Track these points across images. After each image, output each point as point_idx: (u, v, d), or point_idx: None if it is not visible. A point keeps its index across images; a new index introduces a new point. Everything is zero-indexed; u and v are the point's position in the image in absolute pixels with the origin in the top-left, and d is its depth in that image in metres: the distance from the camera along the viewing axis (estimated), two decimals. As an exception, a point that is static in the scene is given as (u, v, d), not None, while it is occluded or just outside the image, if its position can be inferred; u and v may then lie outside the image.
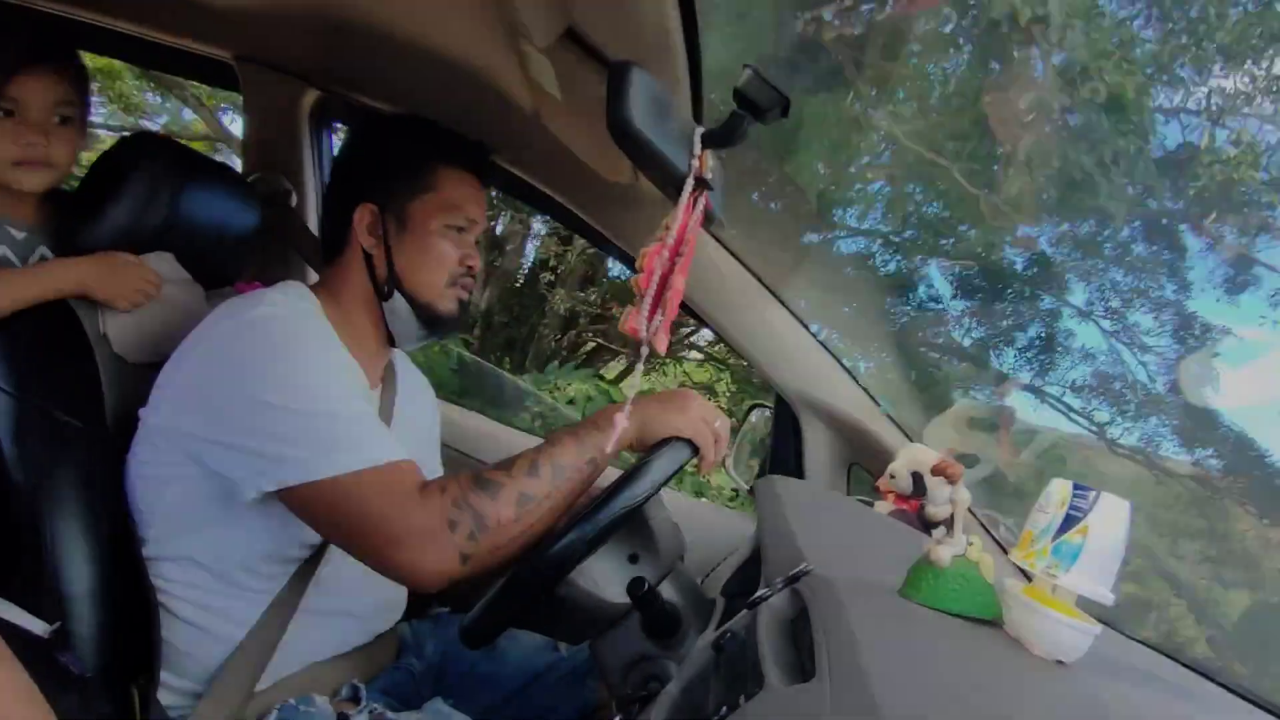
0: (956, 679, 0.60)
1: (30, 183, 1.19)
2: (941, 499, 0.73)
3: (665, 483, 1.03)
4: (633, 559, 1.11)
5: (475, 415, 1.90)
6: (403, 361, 1.41)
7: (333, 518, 1.00)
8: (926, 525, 1.40)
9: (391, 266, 1.20)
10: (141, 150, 1.26)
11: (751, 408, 1.98)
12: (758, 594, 0.85)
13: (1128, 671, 0.77)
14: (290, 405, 1.00)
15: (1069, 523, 0.67)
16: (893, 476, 1.52)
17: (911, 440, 1.57)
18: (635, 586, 1.02)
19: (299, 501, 1.00)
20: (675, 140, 0.78)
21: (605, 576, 1.08)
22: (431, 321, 1.23)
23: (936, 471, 0.80)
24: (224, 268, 1.43)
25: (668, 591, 1.15)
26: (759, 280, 1.55)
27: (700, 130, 0.80)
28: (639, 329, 0.77)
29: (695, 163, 0.79)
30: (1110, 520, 0.66)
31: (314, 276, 1.68)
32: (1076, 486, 0.68)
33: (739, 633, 0.85)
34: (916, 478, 1.48)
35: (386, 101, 1.58)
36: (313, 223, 1.69)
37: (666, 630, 1.11)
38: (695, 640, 1.12)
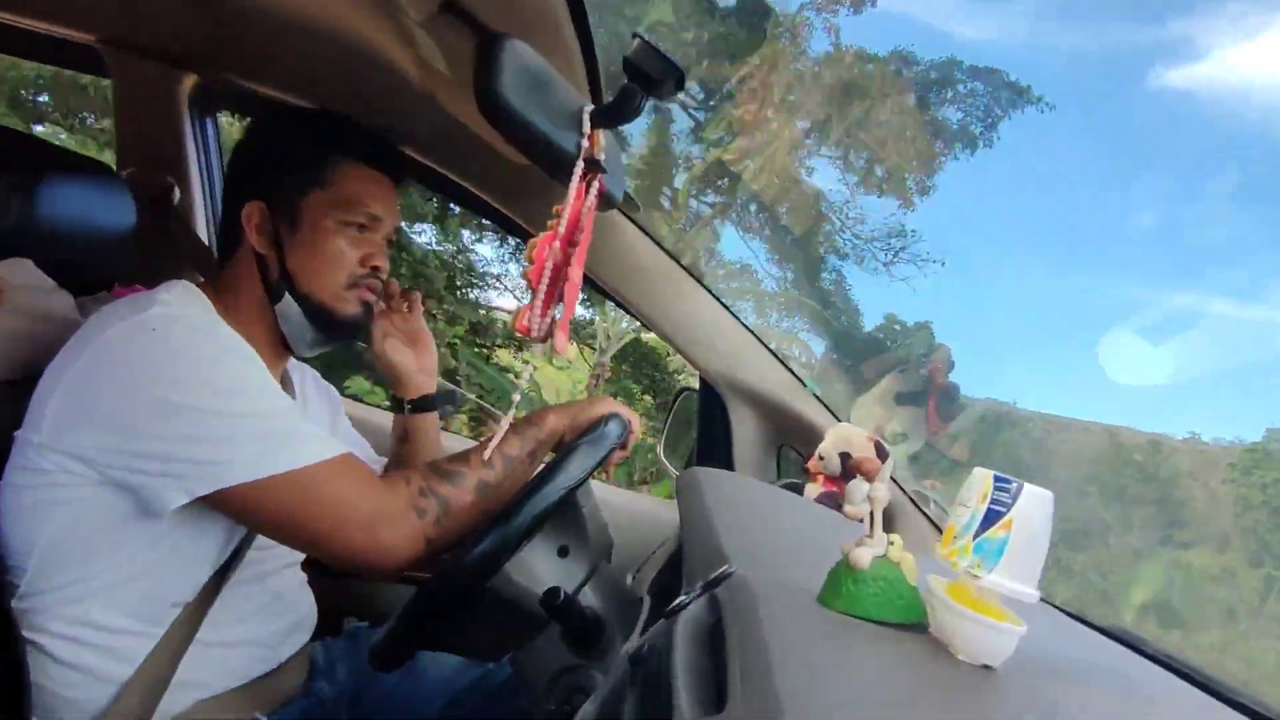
0: (875, 697, 0.55)
1: None
2: (859, 497, 0.68)
3: (607, 456, 1.06)
4: (563, 552, 1.07)
5: (385, 413, 1.81)
6: (299, 369, 1.32)
7: (286, 512, 0.96)
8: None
9: (284, 268, 1.11)
10: None
11: (680, 392, 1.93)
12: (677, 601, 0.80)
13: (1064, 669, 0.73)
14: (217, 407, 0.93)
15: (991, 518, 0.63)
16: (821, 458, 1.50)
17: (839, 420, 1.54)
18: (550, 597, 0.97)
19: (240, 503, 0.95)
20: (561, 120, 0.71)
21: (534, 572, 1.03)
22: (329, 325, 1.14)
23: (853, 470, 0.75)
24: (97, 272, 1.31)
25: (591, 595, 1.09)
26: (677, 262, 1.50)
27: (589, 108, 0.73)
28: (530, 327, 0.70)
29: (585, 143, 0.73)
30: (1034, 513, 0.63)
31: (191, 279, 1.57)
32: (998, 479, 0.64)
33: (657, 645, 0.80)
34: (845, 458, 1.47)
35: (274, 86, 1.46)
36: (201, 221, 1.57)
37: (589, 639, 1.06)
38: (620, 648, 1.07)
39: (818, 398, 1.54)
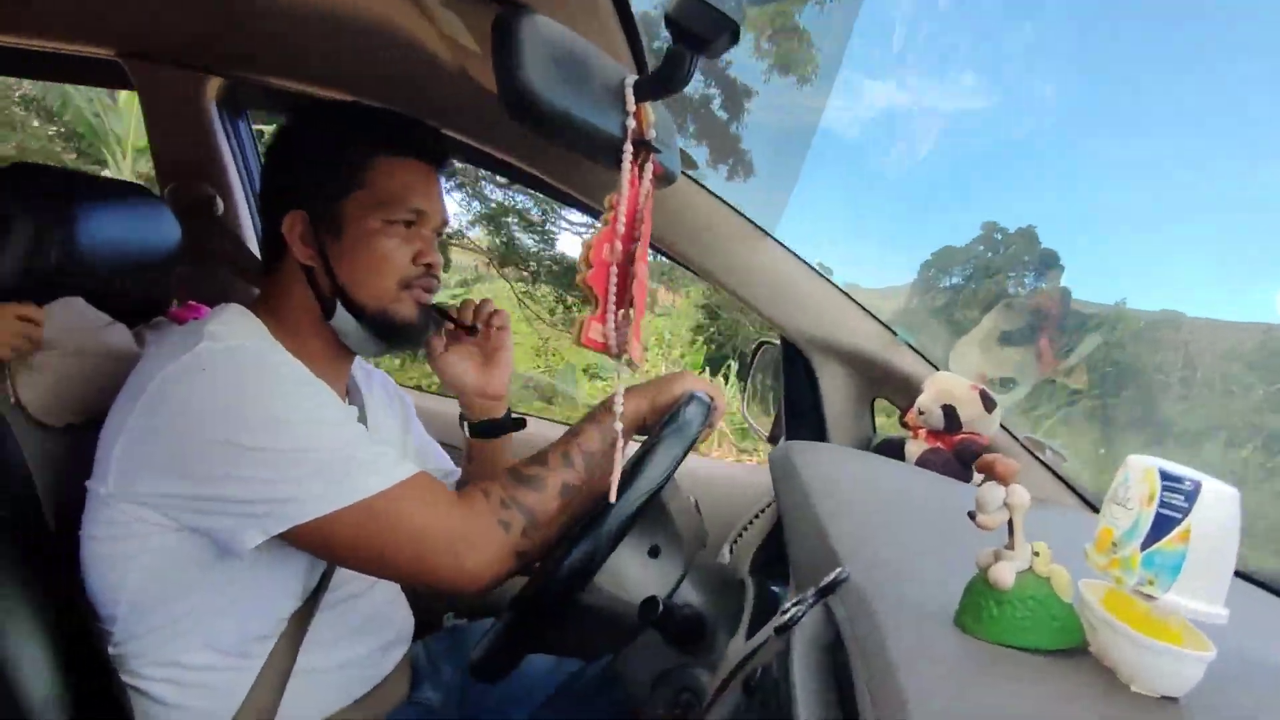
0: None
1: None
2: (993, 503, 0.58)
3: (695, 439, 0.98)
4: (653, 552, 1.01)
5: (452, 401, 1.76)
6: (366, 373, 1.27)
7: (366, 543, 0.91)
8: (966, 465, 1.28)
9: (334, 278, 1.05)
10: (15, 186, 1.09)
11: (759, 346, 1.83)
12: (788, 612, 0.72)
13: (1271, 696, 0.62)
14: (280, 444, 0.88)
15: (1163, 525, 0.53)
16: (921, 412, 1.39)
17: (937, 369, 1.42)
18: (647, 610, 0.90)
19: (318, 537, 0.90)
20: (600, 98, 0.61)
21: (625, 578, 0.97)
22: (388, 332, 1.08)
23: (983, 468, 0.65)
24: (150, 298, 1.28)
25: (689, 589, 1.03)
26: (744, 217, 1.38)
27: (631, 79, 0.63)
28: (603, 340, 0.62)
29: (632, 121, 0.63)
30: (1218, 519, 0.52)
31: (244, 292, 1.54)
32: (1166, 476, 0.53)
33: (771, 668, 0.73)
34: (949, 411, 1.35)
35: (298, 80, 1.39)
36: (249, 227, 1.52)
37: (691, 638, 1.00)
38: (726, 642, 1.01)
39: (912, 346, 1.42)
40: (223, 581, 0.96)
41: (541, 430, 1.66)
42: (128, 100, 6.62)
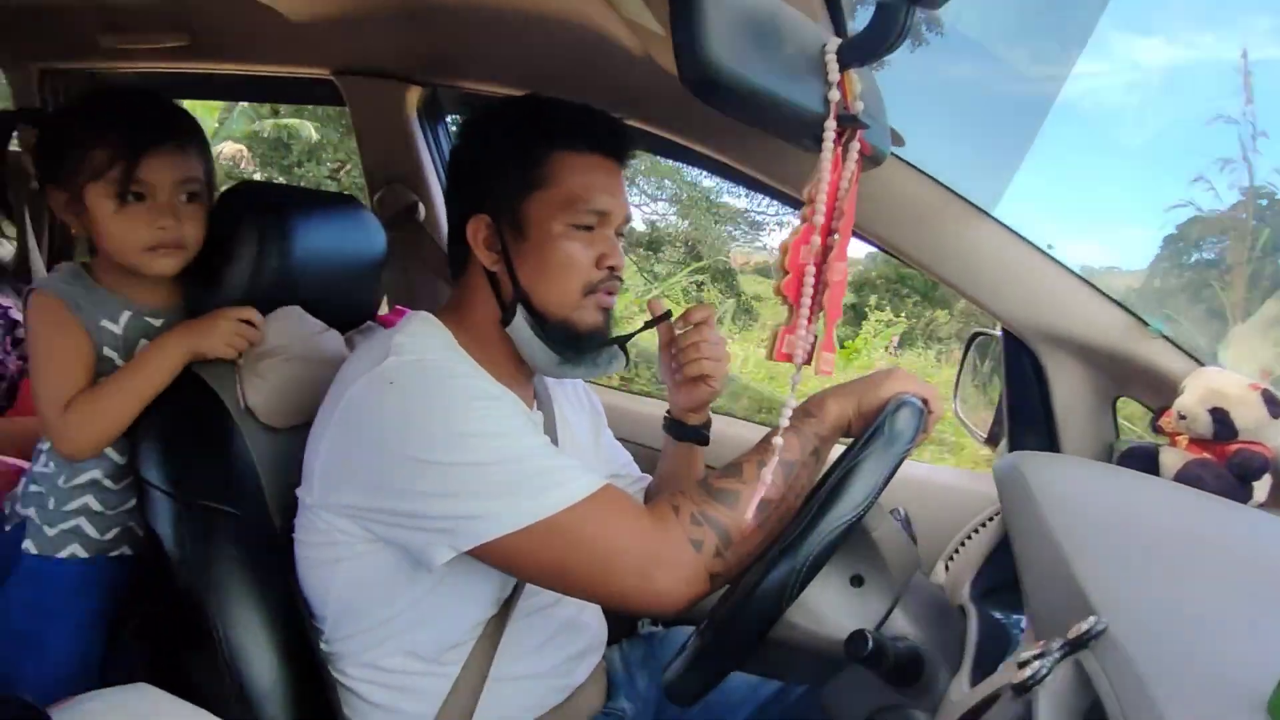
0: None
1: (163, 267, 1.14)
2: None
3: (907, 452, 0.87)
4: (856, 581, 0.91)
5: (647, 400, 1.73)
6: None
7: (552, 560, 0.89)
8: (1245, 481, 1.06)
9: (517, 283, 1.02)
10: (241, 203, 1.17)
11: (973, 336, 1.65)
12: (1027, 664, 0.61)
13: None
14: (462, 458, 0.88)
15: None
16: (1183, 416, 1.17)
17: (1201, 364, 1.20)
18: (856, 647, 0.81)
19: (504, 554, 0.90)
20: (797, 68, 0.52)
21: (824, 609, 0.89)
22: (571, 340, 1.04)
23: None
24: (361, 304, 1.35)
25: (901, 619, 0.92)
26: (958, 196, 1.23)
27: (834, 43, 0.54)
28: (794, 353, 0.54)
29: (835, 93, 0.54)
30: None
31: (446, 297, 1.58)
32: None
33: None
34: (1219, 415, 1.13)
35: (488, 82, 1.41)
36: (445, 232, 1.57)
37: (907, 677, 0.89)
38: (947, 680, 0.89)
39: (1167, 338, 1.21)
40: (420, 591, 0.97)
41: (741, 433, 1.59)
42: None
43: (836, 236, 0.54)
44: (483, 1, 1.28)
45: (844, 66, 0.54)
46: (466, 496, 0.88)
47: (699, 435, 1.23)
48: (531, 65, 1.33)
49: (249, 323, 1.13)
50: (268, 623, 1.04)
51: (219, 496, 1.06)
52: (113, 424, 1.10)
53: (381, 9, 1.37)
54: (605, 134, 1.04)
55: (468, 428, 0.90)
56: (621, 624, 1.32)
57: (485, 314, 1.06)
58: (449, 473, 0.88)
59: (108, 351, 1.15)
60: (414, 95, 1.50)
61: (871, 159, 0.60)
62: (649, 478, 1.31)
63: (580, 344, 1.05)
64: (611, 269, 1.03)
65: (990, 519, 1.32)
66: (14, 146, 1.25)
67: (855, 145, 0.55)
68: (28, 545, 1.18)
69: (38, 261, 2.01)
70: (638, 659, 1.29)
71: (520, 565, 0.92)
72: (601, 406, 1.34)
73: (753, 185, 1.39)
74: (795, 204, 1.23)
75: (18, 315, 1.70)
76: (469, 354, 1.03)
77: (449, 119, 1.63)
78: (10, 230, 1.72)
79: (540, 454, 0.93)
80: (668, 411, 1.25)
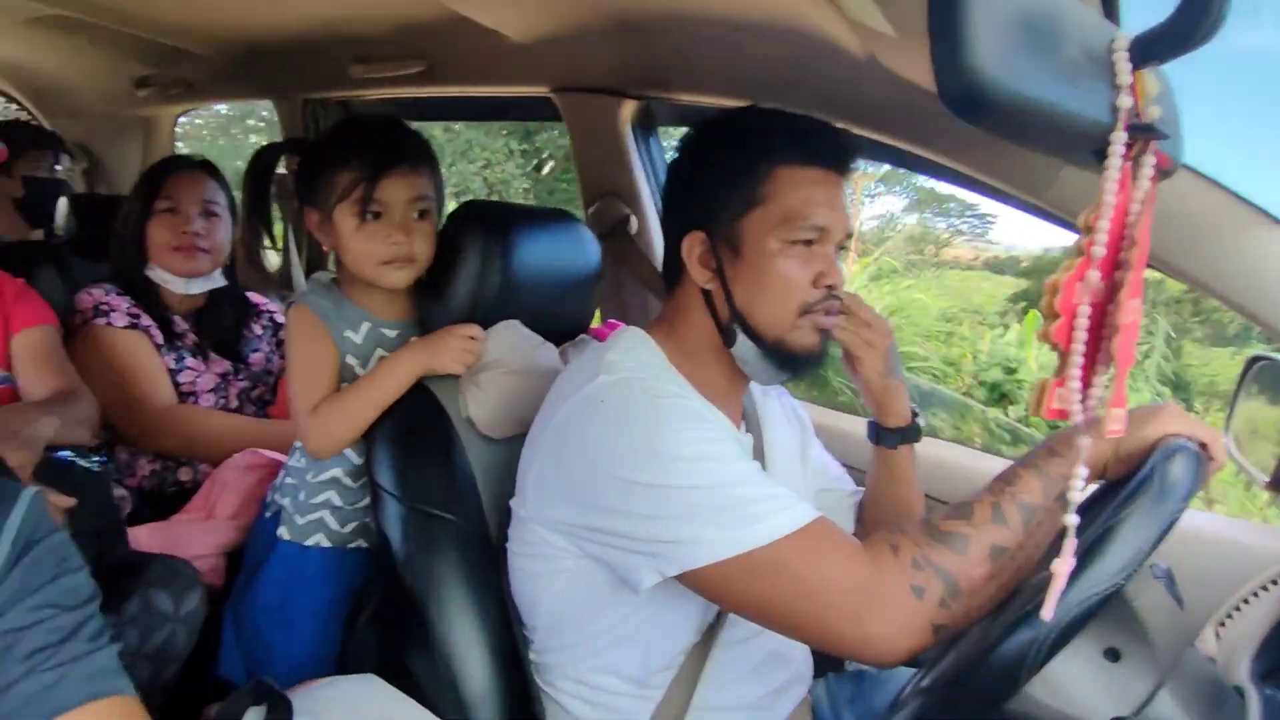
0: None
1: (396, 280, 1.23)
2: None
3: (1181, 510, 0.73)
4: (1112, 655, 0.79)
5: (858, 419, 1.62)
6: (762, 390, 1.21)
7: (759, 594, 0.86)
8: None
9: (732, 302, 0.99)
10: (467, 222, 1.22)
11: (1252, 361, 1.40)
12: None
13: None
14: (670, 481, 0.87)
15: None
16: None
17: None
18: None
19: (709, 583, 0.87)
20: (1078, 73, 0.44)
21: (1072, 686, 0.78)
22: (785, 361, 1.00)
23: None
24: (575, 316, 1.37)
25: (1167, 706, 0.79)
26: (1245, 202, 1.04)
27: (1125, 38, 0.45)
28: (1068, 409, 0.45)
29: (1126, 99, 0.45)
30: None
31: (651, 314, 1.57)
32: None
33: None
34: None
35: (704, 93, 1.39)
36: (656, 245, 1.57)
37: None
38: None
39: None
40: (627, 610, 0.96)
41: (962, 462, 1.45)
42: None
43: (1126, 271, 0.44)
44: (697, 12, 1.27)
45: (1138, 65, 0.45)
46: (674, 520, 0.86)
47: (901, 436, 1.14)
48: (747, 73, 1.29)
49: (474, 338, 1.19)
50: (482, 628, 1.08)
51: (440, 503, 1.11)
52: (352, 428, 1.19)
53: (598, 26, 1.39)
54: (827, 146, 0.98)
55: (677, 450, 0.88)
56: (828, 658, 1.25)
57: (698, 331, 1.03)
58: (657, 495, 0.87)
59: (349, 359, 1.25)
60: (628, 109, 1.51)
61: (1166, 173, 0.50)
62: (861, 491, 1.23)
63: (795, 365, 1.00)
64: (830, 288, 0.97)
65: (1275, 581, 1.11)
66: (281, 169, 1.39)
67: (1149, 159, 0.46)
68: (282, 531, 1.31)
69: (298, 271, 2.26)
70: (845, 697, 1.22)
71: (725, 595, 0.88)
72: (809, 419, 1.27)
73: (996, 195, 1.25)
74: (1052, 218, 1.10)
75: (282, 319, 1.91)
76: (680, 371, 1.02)
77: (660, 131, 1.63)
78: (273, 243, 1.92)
79: (751, 481, 0.89)
80: (870, 420, 1.17)
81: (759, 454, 1.11)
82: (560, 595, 0.99)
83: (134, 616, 1.17)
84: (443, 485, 1.13)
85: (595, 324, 1.45)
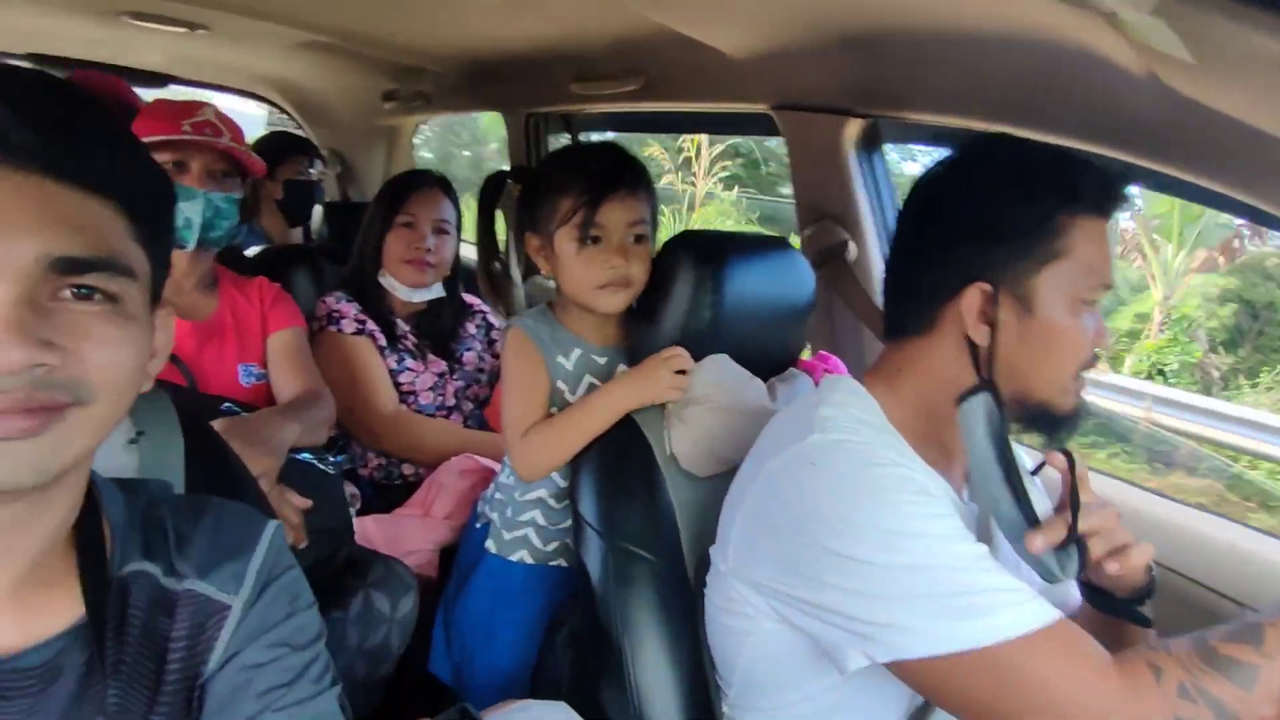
0: None
1: (611, 304, 1.24)
2: None
3: None
4: None
5: (1124, 485, 1.41)
6: None
7: (980, 698, 0.78)
8: None
9: (994, 360, 0.88)
10: (680, 251, 1.20)
11: None
12: None
13: None
14: (886, 558, 0.80)
15: None
16: None
17: None
18: None
19: (922, 676, 0.81)
20: None
21: None
22: (1045, 423, 0.91)
23: None
24: (785, 349, 1.31)
25: None
26: None
27: None
28: None
29: None
30: None
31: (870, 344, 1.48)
32: None
33: None
34: None
35: (941, 113, 1.28)
36: (875, 274, 1.47)
37: None
38: None
39: None
40: (828, 684, 0.90)
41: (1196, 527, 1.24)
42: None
43: None
44: (935, 25, 1.16)
45: None
46: (888, 602, 0.79)
47: (1129, 614, 0.93)
48: (992, 91, 1.16)
49: (685, 371, 1.18)
50: (675, 669, 1.07)
51: (639, 541, 1.11)
52: (561, 454, 1.21)
53: (822, 42, 1.32)
54: (1119, 192, 0.88)
55: (896, 525, 0.81)
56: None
57: (940, 386, 0.92)
58: (869, 572, 0.80)
59: (560, 385, 1.27)
60: (853, 128, 1.42)
61: None
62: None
63: (1056, 427, 0.91)
64: (1101, 345, 0.89)
65: None
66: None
67: None
68: (489, 545, 1.36)
69: (516, 275, 2.36)
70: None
71: (939, 692, 0.81)
72: (1041, 485, 1.14)
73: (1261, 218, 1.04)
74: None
75: (494, 320, 2.01)
76: (900, 430, 0.93)
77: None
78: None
79: (979, 566, 0.80)
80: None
81: (984, 524, 1.01)
82: (758, 656, 0.95)
83: (356, 616, 1.26)
84: (643, 523, 1.12)
85: (805, 355, 1.38)
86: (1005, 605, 0.76)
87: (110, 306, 0.55)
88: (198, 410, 1.31)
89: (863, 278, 1.46)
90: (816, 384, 1.29)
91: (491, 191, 1.40)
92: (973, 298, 0.88)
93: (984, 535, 0.99)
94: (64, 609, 0.61)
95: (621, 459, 1.16)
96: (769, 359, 1.27)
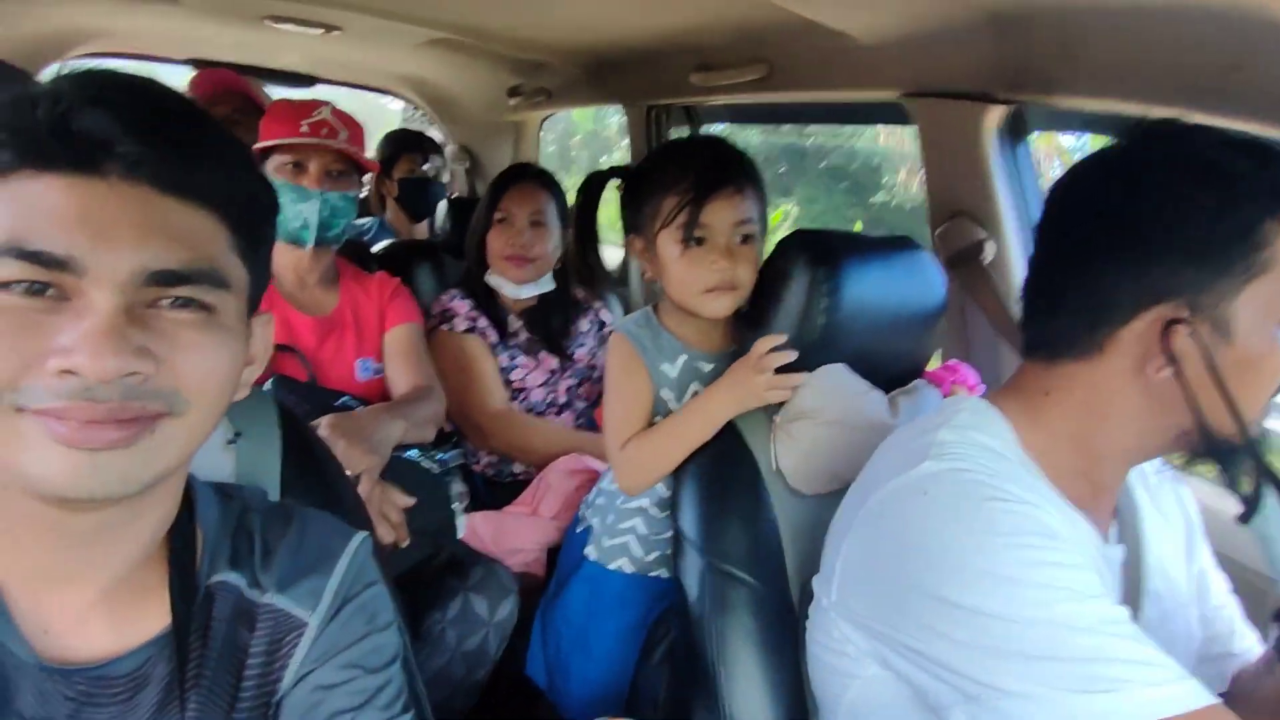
0: None
1: (717, 308, 1.18)
2: None
3: None
4: None
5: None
6: (1141, 474, 0.95)
7: None
8: None
9: (1192, 397, 0.76)
10: (792, 252, 1.11)
11: None
12: None
13: None
14: (1000, 610, 0.70)
15: None
16: None
17: None
18: None
19: None
20: None
21: None
22: (1222, 454, 0.78)
23: None
24: (911, 359, 1.20)
25: None
26: None
27: None
28: None
29: None
30: None
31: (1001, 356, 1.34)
32: None
33: None
34: None
35: (1099, 97, 1.13)
36: (1015, 278, 1.32)
37: None
38: None
39: None
40: None
41: None
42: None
43: None
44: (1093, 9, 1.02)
45: None
46: (1001, 660, 0.69)
47: None
48: (1165, 70, 1.01)
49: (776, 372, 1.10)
50: (773, 701, 1.00)
51: (741, 564, 1.04)
52: (660, 468, 1.16)
53: (963, 22, 1.20)
54: None
55: (1015, 572, 0.71)
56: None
57: (1105, 419, 0.80)
58: (979, 623, 0.70)
59: (664, 393, 1.22)
60: (993, 116, 1.27)
61: None
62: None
63: (1234, 457, 0.77)
64: None
65: None
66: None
67: None
68: (589, 551, 1.33)
69: (635, 278, 2.35)
70: None
71: None
72: (1197, 516, 0.98)
73: None
74: None
75: (605, 316, 1.98)
76: (1040, 460, 0.82)
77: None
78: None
79: (1110, 630, 0.69)
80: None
81: (1131, 573, 0.88)
82: (860, 700, 0.86)
83: (455, 618, 1.26)
84: (746, 544, 1.05)
85: (933, 365, 1.26)
86: (1145, 681, 0.65)
87: (205, 316, 0.55)
88: (315, 404, 1.35)
89: (1001, 282, 1.32)
90: (945, 396, 1.18)
91: (591, 190, 1.35)
92: (1154, 323, 0.75)
93: (1131, 592, 0.86)
94: (154, 617, 0.61)
95: (724, 472, 1.10)
96: (891, 369, 1.17)
